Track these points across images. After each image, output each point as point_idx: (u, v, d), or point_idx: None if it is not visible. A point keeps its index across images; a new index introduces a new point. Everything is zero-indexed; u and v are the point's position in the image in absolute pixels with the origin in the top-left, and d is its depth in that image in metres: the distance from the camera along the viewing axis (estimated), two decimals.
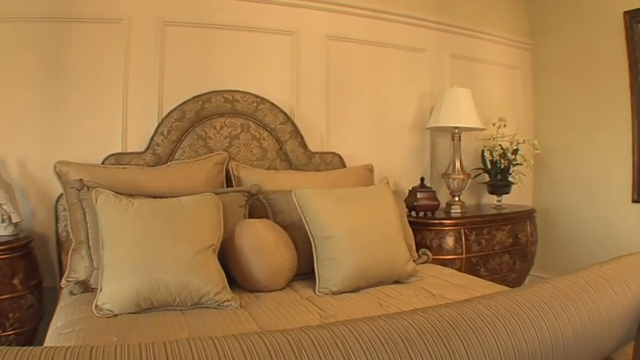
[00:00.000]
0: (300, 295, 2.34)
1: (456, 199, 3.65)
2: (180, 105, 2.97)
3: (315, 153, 3.34)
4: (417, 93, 3.91)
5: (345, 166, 3.39)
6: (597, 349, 1.25)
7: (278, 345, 0.93)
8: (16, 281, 2.34)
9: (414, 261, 2.72)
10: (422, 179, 3.54)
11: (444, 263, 3.14)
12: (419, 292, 2.36)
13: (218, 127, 3.04)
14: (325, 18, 3.51)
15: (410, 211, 3.47)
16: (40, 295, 2.52)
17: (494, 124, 3.96)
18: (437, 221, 3.38)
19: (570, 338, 1.15)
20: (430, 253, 3.07)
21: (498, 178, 3.92)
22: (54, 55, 2.80)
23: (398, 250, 2.54)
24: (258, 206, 2.69)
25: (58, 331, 1.83)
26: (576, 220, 4.12)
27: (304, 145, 3.29)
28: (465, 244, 3.35)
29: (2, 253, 2.32)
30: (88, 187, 2.34)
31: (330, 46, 3.54)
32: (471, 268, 3.33)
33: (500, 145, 3.91)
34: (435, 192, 3.53)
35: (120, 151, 2.88)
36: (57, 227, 2.66)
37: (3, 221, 2.49)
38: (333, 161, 3.38)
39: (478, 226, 3.44)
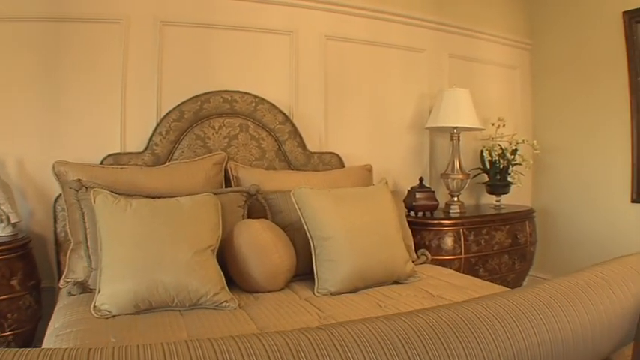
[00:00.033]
0: (299, 295, 2.34)
1: (455, 199, 3.65)
2: (178, 105, 2.97)
3: (314, 153, 3.33)
4: (416, 93, 3.91)
5: (343, 167, 3.39)
6: (596, 350, 1.24)
7: (276, 346, 0.93)
8: (14, 282, 2.34)
9: (412, 261, 2.72)
10: (421, 179, 3.54)
11: (442, 263, 3.14)
12: (418, 292, 2.36)
13: (217, 128, 3.04)
14: (324, 18, 3.50)
15: (409, 212, 3.47)
16: (39, 296, 2.52)
17: (493, 124, 3.97)
18: (436, 221, 3.37)
19: (569, 339, 1.15)
20: (429, 254, 3.06)
21: (497, 178, 3.92)
22: (52, 55, 2.79)
23: (397, 251, 2.54)
24: (256, 206, 2.69)
25: (56, 332, 1.83)
26: (575, 220, 4.12)
27: (303, 146, 3.29)
28: (464, 244, 3.35)
29: (0, 253, 2.32)
30: (86, 188, 2.34)
31: (329, 46, 3.54)
32: (470, 268, 3.33)
33: (499, 145, 3.91)
34: (433, 192, 3.53)
35: (118, 151, 2.88)
36: (55, 227, 2.66)
37: (1, 221, 2.48)
38: (332, 161, 3.38)
39: (477, 226, 3.44)
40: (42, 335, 1.94)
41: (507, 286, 2.96)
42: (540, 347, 1.10)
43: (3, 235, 2.48)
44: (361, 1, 3.60)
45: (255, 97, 3.15)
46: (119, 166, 2.71)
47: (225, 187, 2.87)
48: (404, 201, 3.45)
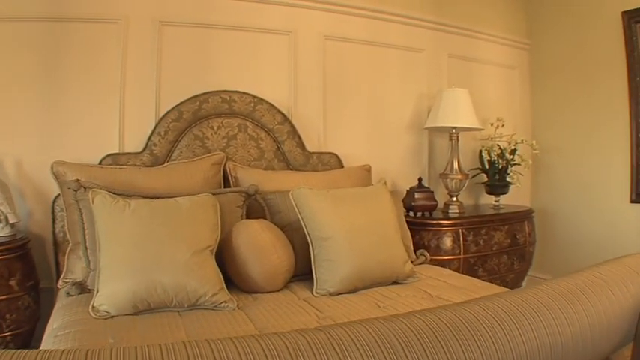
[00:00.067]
0: (298, 296, 2.34)
1: (454, 199, 3.65)
2: (177, 105, 2.96)
3: (313, 153, 3.33)
4: (415, 93, 3.91)
5: (342, 167, 3.39)
6: (595, 351, 1.24)
7: (274, 348, 0.92)
8: (13, 282, 2.33)
9: (411, 262, 2.72)
10: (420, 179, 3.54)
11: (441, 264, 3.14)
12: (417, 293, 2.36)
13: (215, 128, 3.03)
14: (323, 18, 3.50)
15: (408, 212, 3.47)
16: (37, 296, 2.52)
17: (492, 125, 3.97)
18: (435, 222, 3.37)
19: (569, 340, 1.15)
20: (428, 254, 3.06)
21: (496, 178, 3.91)
22: (51, 55, 2.79)
23: (396, 251, 2.54)
24: (255, 207, 2.69)
25: (54, 333, 1.83)
26: (574, 220, 4.12)
27: (302, 146, 3.28)
28: (463, 244, 3.35)
29: None
30: (84, 188, 2.33)
31: (328, 46, 3.53)
32: (469, 268, 3.33)
33: (498, 145, 3.91)
34: (432, 192, 3.53)
35: (117, 151, 2.87)
36: (54, 228, 2.65)
37: (0, 222, 2.48)
38: (331, 161, 3.38)
39: (476, 226, 3.44)
40: (40, 336, 1.94)
41: (506, 287, 2.97)
42: (539, 348, 1.10)
43: (1, 235, 2.47)
44: (360, 1, 3.60)
45: (254, 97, 3.15)
46: (118, 167, 2.71)
47: (224, 187, 2.87)
48: (403, 201, 3.45)
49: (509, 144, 3.91)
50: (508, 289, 2.17)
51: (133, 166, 2.78)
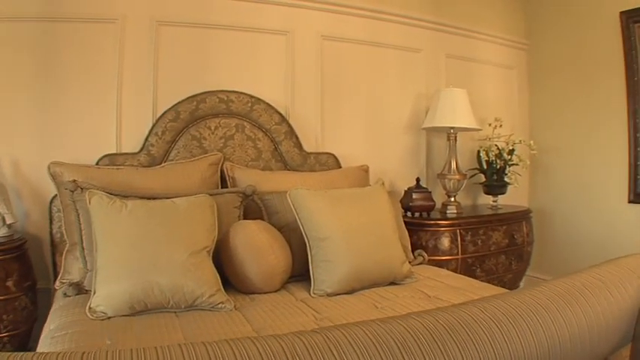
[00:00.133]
0: (295, 296, 2.33)
1: (452, 199, 3.64)
2: (174, 105, 2.95)
3: (311, 153, 3.33)
4: (413, 93, 3.91)
5: (340, 167, 3.38)
6: (594, 353, 1.24)
7: (271, 350, 0.92)
8: (9, 283, 2.33)
9: (409, 262, 2.72)
10: (417, 180, 3.54)
11: (439, 264, 3.13)
12: (414, 293, 2.35)
13: (213, 128, 3.03)
14: (321, 18, 3.50)
15: (405, 212, 3.46)
16: (34, 297, 2.51)
17: (490, 125, 3.96)
18: (432, 222, 3.37)
19: (567, 342, 1.15)
20: (426, 254, 3.06)
21: (494, 178, 3.91)
22: (47, 55, 2.78)
23: (393, 252, 2.53)
24: (253, 207, 2.68)
25: (51, 334, 1.82)
26: (572, 220, 4.12)
27: (299, 146, 3.28)
28: (461, 244, 3.34)
29: None
30: (81, 188, 2.33)
31: (326, 46, 3.53)
32: (466, 268, 3.33)
33: (496, 145, 3.91)
34: (430, 192, 3.53)
35: (114, 151, 2.87)
36: (51, 228, 2.65)
37: None
38: (329, 162, 3.37)
39: (474, 226, 3.44)
40: (37, 337, 1.93)
41: (504, 287, 2.97)
42: (537, 350, 1.09)
43: None
44: (358, 1, 3.59)
45: (252, 97, 3.14)
46: (115, 167, 2.70)
47: (221, 187, 2.86)
48: (400, 201, 3.44)
49: (508, 144, 3.91)
50: (506, 290, 2.17)
51: (130, 166, 2.77)
